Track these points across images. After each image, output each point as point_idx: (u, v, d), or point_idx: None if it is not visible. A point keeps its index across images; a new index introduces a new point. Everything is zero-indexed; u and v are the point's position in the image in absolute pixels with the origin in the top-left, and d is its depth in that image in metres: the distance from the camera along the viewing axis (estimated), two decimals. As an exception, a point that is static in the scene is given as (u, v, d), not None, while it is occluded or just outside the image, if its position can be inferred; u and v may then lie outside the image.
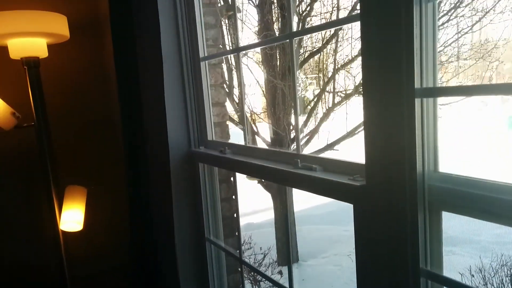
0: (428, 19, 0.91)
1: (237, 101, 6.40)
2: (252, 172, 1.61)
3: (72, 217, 2.20)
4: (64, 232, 2.24)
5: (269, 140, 6.96)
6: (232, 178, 2.18)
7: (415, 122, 0.95)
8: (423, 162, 0.98)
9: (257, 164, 1.55)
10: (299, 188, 1.35)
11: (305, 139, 7.01)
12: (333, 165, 1.30)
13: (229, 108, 6.95)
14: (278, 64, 5.60)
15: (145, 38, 1.91)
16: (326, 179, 1.22)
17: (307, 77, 8.04)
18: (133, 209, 2.25)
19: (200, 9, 1.93)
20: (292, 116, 6.70)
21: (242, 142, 1.82)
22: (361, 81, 1.03)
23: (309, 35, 6.61)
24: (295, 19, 5.28)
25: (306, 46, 6.07)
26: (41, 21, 1.93)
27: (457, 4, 4.19)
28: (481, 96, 0.85)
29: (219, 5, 5.30)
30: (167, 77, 1.91)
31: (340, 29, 5.18)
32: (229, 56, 6.00)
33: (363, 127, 1.06)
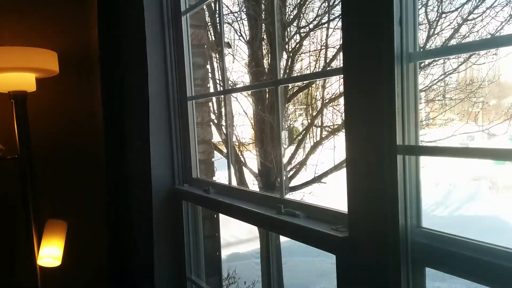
0: (410, 79, 0.93)
1: (225, 132, 6.41)
2: (235, 214, 1.59)
3: (50, 252, 2.14)
4: (41, 267, 2.18)
5: (256, 171, 6.95)
6: (215, 215, 2.16)
7: (397, 178, 0.95)
8: (406, 217, 0.99)
9: (240, 207, 1.54)
10: (282, 235, 1.33)
11: (293, 171, 7.01)
12: (317, 212, 1.29)
13: (217, 137, 6.97)
14: (267, 97, 5.66)
15: (133, 77, 1.92)
16: (309, 228, 1.21)
17: (295, 109, 8.12)
18: (113, 245, 2.20)
19: (189, 50, 1.95)
20: (281, 148, 6.72)
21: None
22: (344, 136, 1.04)
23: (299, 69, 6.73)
24: (284, 56, 5.36)
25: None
26: (31, 57, 1.95)
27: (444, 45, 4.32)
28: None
29: (212, 39, 5.38)
30: (153, 115, 1.91)
31: (329, 65, 5.28)
32: (218, 85, 6.05)
33: (346, 179, 1.07)
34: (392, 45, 0.90)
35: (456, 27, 4.21)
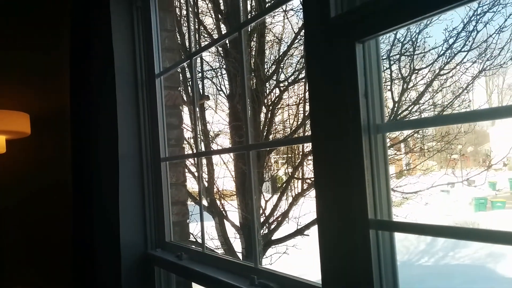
0: (379, 151, 0.91)
1: (206, 185, 6.32)
2: (207, 284, 1.51)
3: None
4: None
5: (238, 224, 6.81)
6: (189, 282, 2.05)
7: (370, 254, 0.91)
8: (382, 294, 0.93)
9: (213, 277, 1.46)
10: (256, 310, 1.25)
11: (275, 224, 6.88)
12: (291, 285, 1.23)
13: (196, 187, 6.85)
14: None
15: (103, 139, 1.88)
16: (283, 304, 1.14)
17: (278, 158, 8.12)
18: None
19: (163, 111, 1.93)
20: (262, 200, 6.63)
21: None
22: (316, 207, 1.00)
23: (280, 120, 6.79)
24: (263, 110, 5.41)
25: (276, 132, 6.18)
26: (1, 120, 1.90)
27: (417, 101, 4.43)
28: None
29: (190, 95, 5.41)
30: (124, 177, 1.85)
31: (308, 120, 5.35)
32: (199, 138, 6.04)
33: (319, 255, 1.01)
34: (358, 117, 0.88)
35: (428, 83, 4.34)
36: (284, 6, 5.35)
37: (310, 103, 1.01)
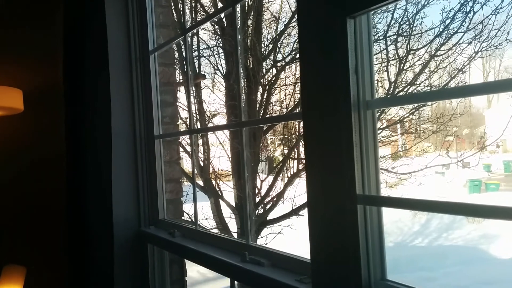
0: (368, 127, 0.91)
1: (201, 165, 6.33)
2: (199, 261, 1.53)
3: (7, 300, 2.01)
4: (-4, 318, 2.04)
5: (233, 204, 6.85)
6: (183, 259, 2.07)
7: (358, 229, 0.92)
8: (369, 269, 0.95)
9: (205, 254, 1.48)
10: (245, 284, 1.28)
11: (270, 204, 6.92)
12: (282, 260, 1.24)
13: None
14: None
15: (97, 115, 1.87)
16: (273, 279, 1.16)
17: (275, 139, 8.12)
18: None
19: (157, 88, 1.92)
20: (258, 180, 6.66)
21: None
22: (306, 182, 1.01)
23: (277, 100, 6.76)
24: (260, 90, 5.39)
25: (272, 112, 6.17)
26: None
27: (413, 82, 4.42)
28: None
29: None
30: (117, 154, 1.85)
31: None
32: (195, 117, 6.02)
33: (308, 227, 1.03)
34: (348, 93, 0.88)
35: (424, 63, 4.32)
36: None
37: (302, 78, 1.01)
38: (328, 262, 0.98)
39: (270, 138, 7.98)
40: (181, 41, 1.94)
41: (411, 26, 4.29)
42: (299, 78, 5.46)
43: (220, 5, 5.68)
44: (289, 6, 5.65)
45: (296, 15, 5.24)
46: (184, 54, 5.03)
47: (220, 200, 6.79)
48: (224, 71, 5.78)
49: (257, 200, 6.75)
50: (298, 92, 5.55)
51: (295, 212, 6.81)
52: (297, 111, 5.43)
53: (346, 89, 0.88)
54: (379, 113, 5.07)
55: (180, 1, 5.29)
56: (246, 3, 5.19)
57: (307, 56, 0.98)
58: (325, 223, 0.97)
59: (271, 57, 5.77)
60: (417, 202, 0.84)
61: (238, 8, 1.47)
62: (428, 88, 4.35)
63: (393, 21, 4.36)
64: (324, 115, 0.94)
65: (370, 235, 0.93)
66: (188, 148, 6.14)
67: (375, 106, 0.90)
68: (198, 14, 5.85)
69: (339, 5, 0.88)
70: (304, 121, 1.01)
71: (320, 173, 0.97)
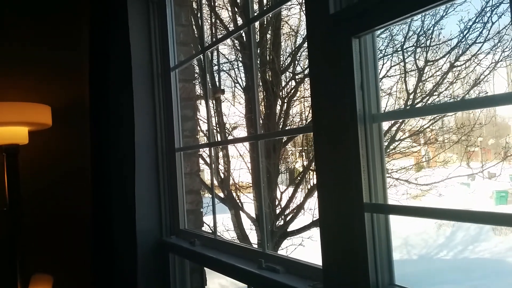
0: (374, 139, 0.96)
1: (222, 177, 6.41)
2: (218, 269, 1.59)
3: (36, 307, 2.10)
4: (26, 324, 2.13)
5: (254, 216, 6.89)
6: (203, 268, 2.13)
7: (365, 235, 0.96)
8: (377, 274, 0.99)
9: (223, 261, 1.54)
10: (262, 291, 1.33)
11: (290, 216, 6.93)
12: (296, 267, 1.29)
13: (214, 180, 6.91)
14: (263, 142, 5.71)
15: (121, 130, 1.96)
16: (288, 285, 1.21)
17: (296, 150, 8.14)
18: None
19: (177, 103, 2.01)
20: (278, 192, 6.69)
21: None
22: (317, 193, 1.07)
23: (297, 111, 6.81)
24: (279, 102, 5.46)
25: (292, 124, 6.22)
26: (25, 112, 2.00)
27: (432, 92, 4.42)
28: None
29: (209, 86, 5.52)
30: (140, 167, 1.94)
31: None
32: (215, 129, 6.12)
33: (320, 236, 1.08)
34: (354, 108, 0.94)
35: (442, 75, 4.33)
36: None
37: (312, 94, 1.07)
38: (338, 268, 1.03)
39: (290, 150, 8.02)
40: (201, 57, 2.03)
41: (428, 37, 4.31)
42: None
43: (239, 19, 5.82)
44: (307, 19, 5.73)
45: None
46: (204, 69, 5.17)
47: (240, 211, 6.85)
48: (244, 85, 5.89)
49: (278, 211, 6.77)
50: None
51: (315, 223, 6.79)
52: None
53: (352, 104, 0.94)
54: (399, 124, 5.08)
55: (200, 19, 5.45)
56: (265, 19, 5.29)
57: (316, 73, 1.04)
58: (334, 231, 1.02)
59: (290, 70, 5.86)
60: (422, 210, 0.88)
61: (256, 24, 1.54)
62: (448, 98, 4.34)
63: (411, 33, 4.39)
64: (332, 128, 1.00)
65: (378, 241, 0.98)
66: (209, 161, 6.25)
67: (381, 119, 0.96)
68: (218, 29, 5.99)
69: (344, 26, 0.94)
70: (315, 134, 1.06)
71: (329, 183, 1.02)
